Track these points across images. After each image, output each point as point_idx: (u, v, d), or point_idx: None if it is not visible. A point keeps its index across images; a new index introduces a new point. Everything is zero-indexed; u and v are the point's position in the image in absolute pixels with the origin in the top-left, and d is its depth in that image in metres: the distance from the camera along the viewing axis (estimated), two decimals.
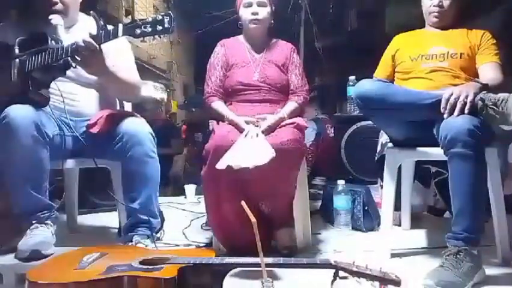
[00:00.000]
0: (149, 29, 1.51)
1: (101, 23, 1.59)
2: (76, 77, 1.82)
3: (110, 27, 1.66)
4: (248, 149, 1.64)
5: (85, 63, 1.63)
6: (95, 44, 1.58)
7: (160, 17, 1.51)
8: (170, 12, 1.53)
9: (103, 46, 1.61)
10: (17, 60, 1.66)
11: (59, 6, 1.79)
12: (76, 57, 1.60)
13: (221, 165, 1.59)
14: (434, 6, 1.91)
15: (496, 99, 1.44)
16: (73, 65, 1.64)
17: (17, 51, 1.67)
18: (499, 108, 1.42)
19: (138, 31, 1.52)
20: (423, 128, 1.62)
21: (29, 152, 1.58)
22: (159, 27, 1.50)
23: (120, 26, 1.56)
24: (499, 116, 1.42)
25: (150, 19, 1.52)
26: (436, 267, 1.42)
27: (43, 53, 1.62)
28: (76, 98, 1.81)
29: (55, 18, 1.72)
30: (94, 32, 1.61)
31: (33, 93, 1.64)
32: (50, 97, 1.70)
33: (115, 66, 1.77)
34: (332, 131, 3.55)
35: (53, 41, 1.64)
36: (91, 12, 1.60)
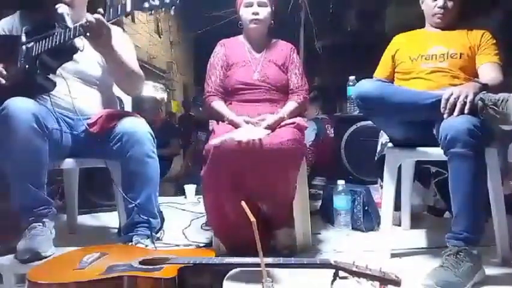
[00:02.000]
0: (157, 2, 1.50)
1: (108, 2, 1.59)
2: (80, 75, 1.83)
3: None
4: (244, 130, 1.69)
5: (93, 39, 1.63)
6: (104, 20, 1.58)
7: None
8: None
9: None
10: (24, 47, 1.67)
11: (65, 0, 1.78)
12: (87, 33, 1.60)
13: (215, 141, 1.61)
14: (438, 7, 1.90)
15: (496, 99, 1.44)
16: (80, 48, 1.64)
17: (24, 38, 1.68)
18: (499, 108, 1.42)
19: (146, 4, 1.51)
20: (423, 128, 1.62)
21: (27, 143, 1.58)
22: (167, 0, 1.50)
23: (128, 0, 1.56)
24: (499, 116, 1.42)
25: None
26: (436, 267, 1.42)
27: (50, 37, 1.62)
28: (77, 96, 1.81)
29: (61, 7, 1.72)
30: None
31: (41, 78, 1.65)
32: (52, 95, 1.71)
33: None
34: (332, 131, 3.55)
35: (60, 28, 1.64)
36: None
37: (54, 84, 1.69)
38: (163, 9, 1.52)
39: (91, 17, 1.57)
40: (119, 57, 1.75)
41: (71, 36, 1.60)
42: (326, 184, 3.09)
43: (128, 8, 1.55)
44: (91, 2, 1.93)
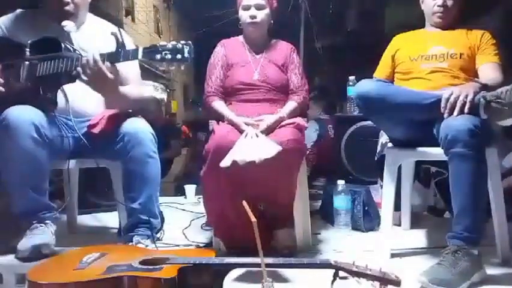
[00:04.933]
0: (169, 56, 1.51)
1: (121, 41, 1.59)
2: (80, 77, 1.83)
3: (129, 46, 1.65)
4: (252, 145, 1.64)
5: (97, 85, 1.63)
6: (110, 75, 1.58)
7: (180, 46, 1.51)
8: (190, 42, 1.53)
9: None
10: (27, 62, 1.66)
11: (70, 7, 1.79)
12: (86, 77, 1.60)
13: (225, 162, 1.57)
14: (438, 6, 1.90)
15: (499, 93, 1.43)
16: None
17: (28, 53, 1.66)
18: (504, 99, 1.41)
19: (158, 56, 1.52)
20: (423, 128, 1.62)
21: (28, 153, 1.58)
22: (178, 56, 1.51)
23: (140, 48, 1.56)
24: (507, 107, 1.41)
25: (170, 46, 1.52)
26: (433, 264, 1.42)
27: (56, 60, 1.61)
28: (78, 97, 1.81)
29: (68, 25, 1.72)
30: (104, 39, 1.63)
31: (43, 98, 1.65)
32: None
33: (121, 74, 1.78)
34: (333, 131, 3.54)
35: (65, 49, 1.64)
36: (112, 32, 1.60)
37: (56, 104, 1.68)
38: (175, 63, 1.53)
39: (95, 63, 1.56)
40: (122, 96, 1.75)
41: (77, 66, 1.60)
42: (326, 184, 3.09)
43: (140, 56, 1.55)
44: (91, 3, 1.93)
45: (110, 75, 1.59)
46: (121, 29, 1.70)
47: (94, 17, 1.95)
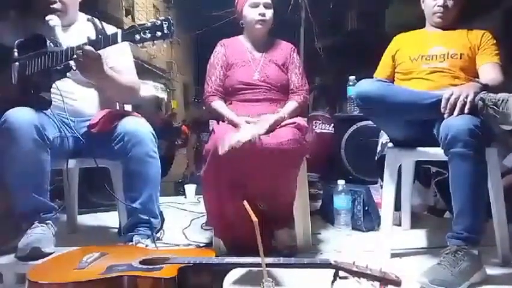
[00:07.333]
0: (149, 35, 1.51)
1: (100, 27, 1.58)
2: (76, 77, 1.82)
3: (109, 30, 1.64)
4: (243, 128, 1.71)
5: (84, 69, 1.63)
6: (95, 51, 1.58)
7: (159, 22, 1.51)
8: (169, 17, 1.52)
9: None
10: (17, 63, 1.66)
11: (57, 5, 1.79)
12: (75, 62, 1.60)
13: (223, 148, 1.59)
14: (438, 6, 1.90)
15: (496, 100, 1.44)
16: (73, 67, 1.65)
17: (16, 54, 1.66)
18: (499, 108, 1.42)
19: (138, 37, 1.52)
20: (423, 128, 1.62)
21: (30, 155, 1.58)
22: (158, 33, 1.50)
23: (119, 31, 1.55)
24: (499, 116, 1.43)
25: (149, 24, 1.51)
26: (433, 265, 1.42)
27: (43, 57, 1.61)
28: (75, 97, 1.81)
29: (53, 19, 1.72)
30: (92, 35, 1.61)
31: (35, 97, 1.64)
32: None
33: (114, 67, 1.77)
34: (322, 127, 3.52)
35: (51, 44, 1.64)
36: (89, 17, 1.59)
37: (50, 103, 1.67)
38: (154, 41, 1.52)
39: (79, 50, 1.57)
40: (112, 80, 1.75)
41: (63, 60, 1.60)
42: (319, 180, 3.08)
43: (119, 39, 1.55)
44: (82, 2, 1.93)
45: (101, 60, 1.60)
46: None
47: (86, 16, 1.94)
